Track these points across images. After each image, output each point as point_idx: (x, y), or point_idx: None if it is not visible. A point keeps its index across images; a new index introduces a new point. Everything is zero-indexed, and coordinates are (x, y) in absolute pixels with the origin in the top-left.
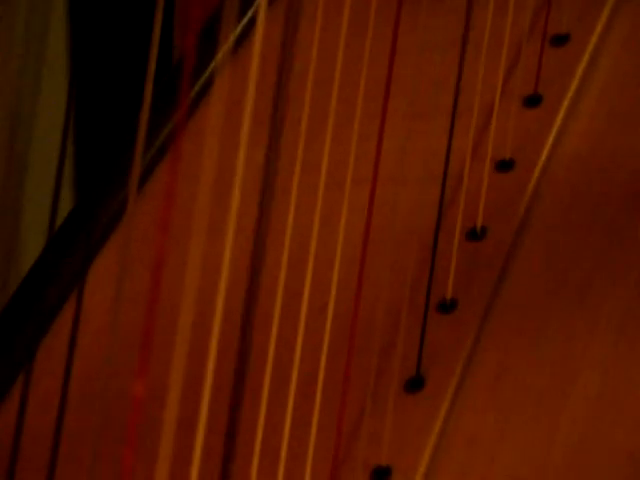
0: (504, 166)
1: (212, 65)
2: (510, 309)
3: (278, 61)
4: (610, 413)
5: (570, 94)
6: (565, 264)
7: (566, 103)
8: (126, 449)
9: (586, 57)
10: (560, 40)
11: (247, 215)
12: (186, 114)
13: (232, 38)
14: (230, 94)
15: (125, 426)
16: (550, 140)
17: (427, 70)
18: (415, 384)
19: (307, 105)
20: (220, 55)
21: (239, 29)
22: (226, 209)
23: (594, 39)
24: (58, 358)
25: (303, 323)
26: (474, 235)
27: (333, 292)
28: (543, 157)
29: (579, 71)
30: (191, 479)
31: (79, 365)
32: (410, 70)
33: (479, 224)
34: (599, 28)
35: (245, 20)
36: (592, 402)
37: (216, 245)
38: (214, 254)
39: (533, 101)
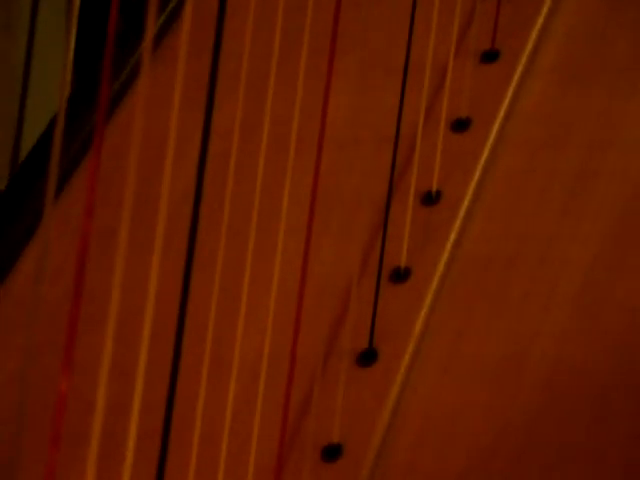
0: (460, 125)
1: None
2: (466, 275)
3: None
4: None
5: (529, 48)
6: (525, 225)
7: (525, 58)
8: (50, 447)
9: (545, 9)
10: None
11: (186, 192)
12: (108, 101)
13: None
14: (158, 78)
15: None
16: (508, 97)
17: (378, 24)
18: (368, 357)
19: (244, 70)
20: (146, 42)
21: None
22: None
23: None
24: None
25: (246, 296)
26: (429, 199)
27: (278, 262)
28: (501, 115)
29: (538, 24)
30: (126, 456)
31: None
32: (360, 25)
33: (434, 187)
34: None
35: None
36: (550, 367)
37: (150, 222)
38: (146, 232)
39: (490, 56)
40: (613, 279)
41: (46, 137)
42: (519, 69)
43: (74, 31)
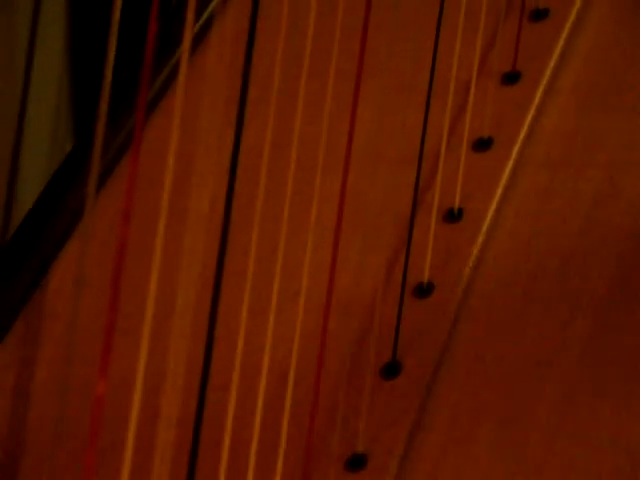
0: (482, 145)
1: (175, 57)
2: (489, 291)
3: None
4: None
5: (549, 70)
6: (546, 242)
7: (545, 80)
8: (88, 448)
9: (566, 32)
10: (539, 15)
11: (215, 204)
12: (146, 103)
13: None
14: (194, 84)
15: (87, 423)
16: (529, 117)
17: (402, 47)
18: (391, 370)
19: (276, 84)
20: (184, 45)
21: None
22: (191, 197)
23: (573, 13)
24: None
25: (274, 309)
26: (451, 216)
27: (305, 277)
28: (522, 135)
29: (559, 46)
30: (156, 466)
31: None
32: (384, 47)
33: (456, 205)
34: (578, 2)
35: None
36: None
37: (182, 234)
38: (180, 246)
39: (512, 78)
40: (634, 294)
41: (78, 151)
42: (540, 90)
43: (114, 37)
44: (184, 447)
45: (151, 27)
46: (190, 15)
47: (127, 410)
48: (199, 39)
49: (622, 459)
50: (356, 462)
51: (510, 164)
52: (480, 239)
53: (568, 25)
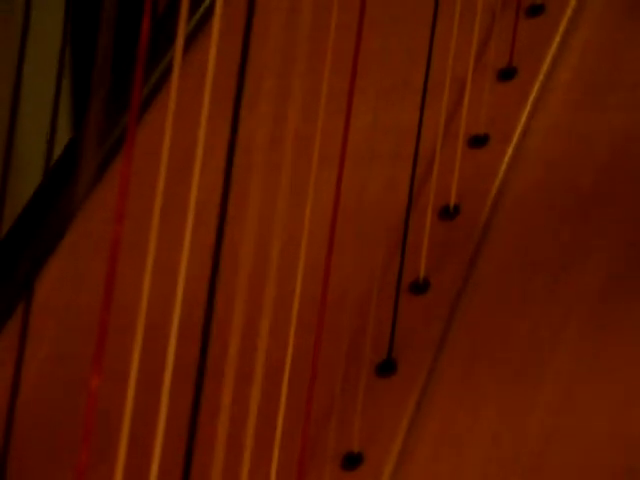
0: (478, 142)
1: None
2: (484, 289)
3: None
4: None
5: (545, 66)
6: (540, 242)
7: (541, 76)
8: (82, 443)
9: (562, 28)
10: (535, 10)
11: (209, 202)
12: (140, 100)
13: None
14: (189, 82)
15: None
16: (525, 114)
17: (397, 43)
18: (387, 367)
19: (271, 80)
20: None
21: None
22: (187, 194)
23: (569, 9)
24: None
25: (269, 306)
26: (447, 213)
27: (300, 274)
28: (518, 132)
29: (555, 42)
30: (152, 465)
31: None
32: (380, 43)
33: (452, 202)
34: None
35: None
36: (564, 383)
37: (176, 235)
38: (174, 244)
39: (507, 74)
40: (629, 294)
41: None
42: (536, 86)
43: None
44: (179, 444)
45: (145, 23)
46: (184, 10)
47: (123, 406)
48: (194, 35)
49: None
50: (352, 460)
51: (506, 161)
52: (476, 236)
53: (564, 21)
